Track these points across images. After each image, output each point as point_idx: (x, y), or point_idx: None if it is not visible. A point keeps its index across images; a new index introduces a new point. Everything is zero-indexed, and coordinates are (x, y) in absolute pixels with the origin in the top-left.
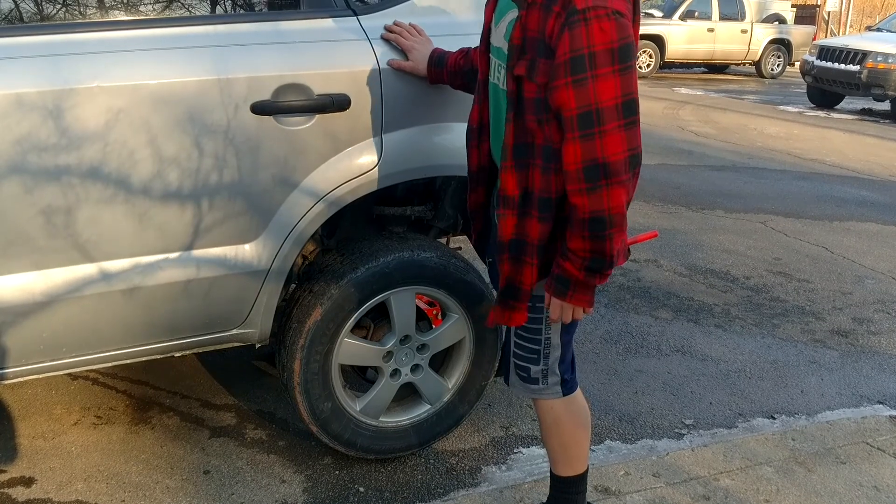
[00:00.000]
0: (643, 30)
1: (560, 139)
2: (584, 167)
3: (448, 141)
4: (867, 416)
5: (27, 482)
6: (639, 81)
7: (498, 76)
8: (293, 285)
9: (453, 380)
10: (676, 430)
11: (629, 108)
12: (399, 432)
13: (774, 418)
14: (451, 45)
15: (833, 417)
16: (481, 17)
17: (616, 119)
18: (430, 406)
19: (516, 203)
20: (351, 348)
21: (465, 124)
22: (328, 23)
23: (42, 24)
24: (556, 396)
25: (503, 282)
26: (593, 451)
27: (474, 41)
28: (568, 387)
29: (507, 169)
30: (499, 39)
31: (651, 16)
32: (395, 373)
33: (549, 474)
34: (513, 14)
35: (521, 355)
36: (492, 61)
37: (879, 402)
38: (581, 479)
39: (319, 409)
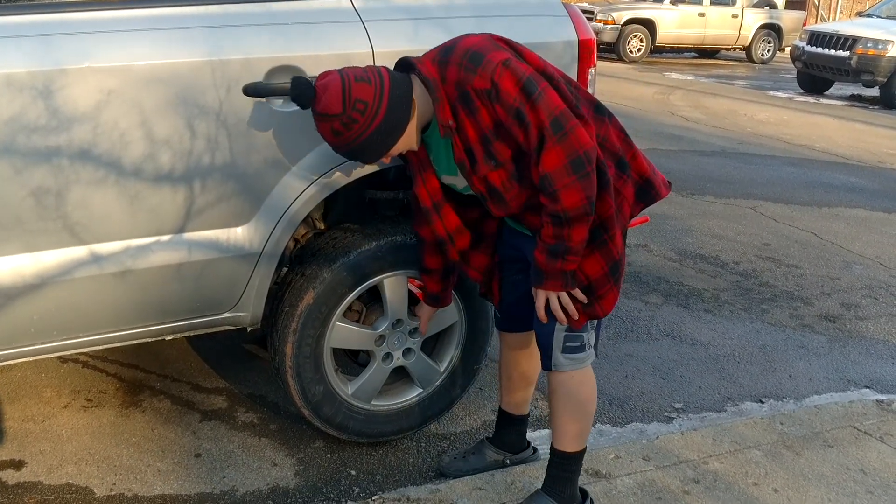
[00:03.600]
0: (635, 14)
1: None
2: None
3: None
4: (854, 400)
5: (17, 465)
6: (630, 66)
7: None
8: (285, 269)
9: (444, 363)
10: (666, 414)
11: (558, 121)
12: (391, 416)
13: (763, 402)
14: (447, 28)
15: (821, 401)
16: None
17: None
18: (421, 390)
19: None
20: (343, 332)
21: None
22: (321, 4)
23: (33, 3)
24: (590, 360)
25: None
26: None
27: (469, 24)
28: (597, 349)
29: (524, 217)
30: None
31: (642, 0)
32: (387, 356)
33: (538, 458)
34: (443, 144)
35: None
36: (444, 181)
37: (866, 387)
38: (580, 457)
39: (311, 392)
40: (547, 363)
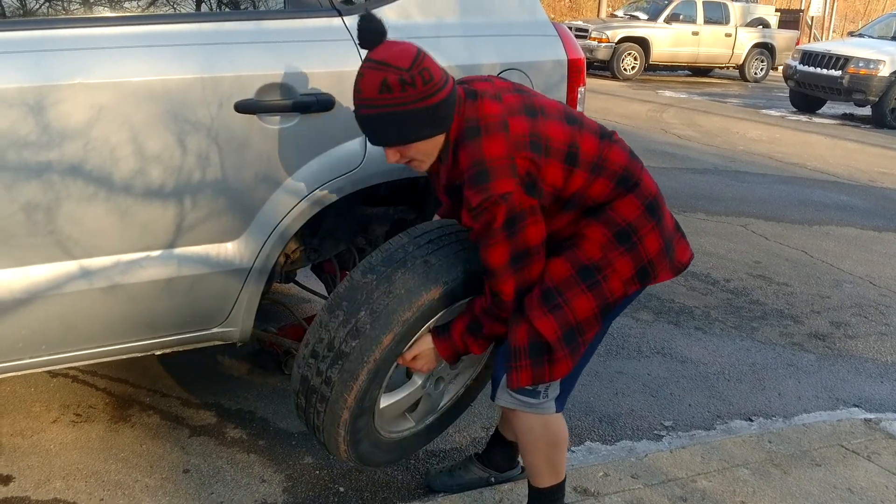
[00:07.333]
0: (629, 32)
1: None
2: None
3: None
4: (843, 419)
5: (5, 480)
6: (624, 84)
7: None
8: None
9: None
10: (655, 432)
11: (518, 258)
12: (390, 445)
13: (752, 420)
14: (437, 47)
15: (809, 420)
16: (468, 20)
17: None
18: (413, 424)
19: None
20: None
21: None
22: (313, 23)
23: (25, 19)
24: (549, 412)
25: (524, 343)
26: (573, 451)
27: (459, 44)
28: (560, 403)
29: None
30: None
31: (636, 18)
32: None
33: (525, 476)
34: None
35: None
36: None
37: (855, 406)
38: (560, 487)
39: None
40: (493, 393)
